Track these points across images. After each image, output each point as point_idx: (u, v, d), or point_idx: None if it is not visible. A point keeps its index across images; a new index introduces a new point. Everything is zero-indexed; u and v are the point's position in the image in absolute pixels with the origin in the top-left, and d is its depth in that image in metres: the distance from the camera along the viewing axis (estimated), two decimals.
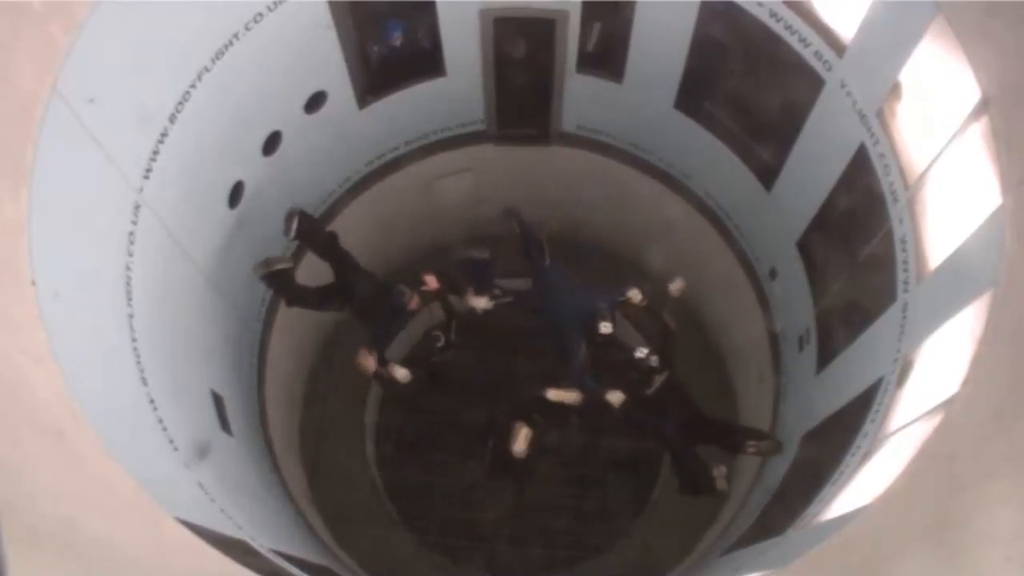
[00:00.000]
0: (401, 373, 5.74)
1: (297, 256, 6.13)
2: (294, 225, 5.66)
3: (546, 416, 6.20)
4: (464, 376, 7.69)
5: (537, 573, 7.13)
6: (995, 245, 3.20)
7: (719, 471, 5.88)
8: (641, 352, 5.80)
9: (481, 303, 5.92)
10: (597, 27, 5.66)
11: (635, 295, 5.88)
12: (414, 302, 5.70)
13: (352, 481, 7.10)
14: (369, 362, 5.58)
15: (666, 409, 6.05)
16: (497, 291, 6.22)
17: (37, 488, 2.54)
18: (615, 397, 5.80)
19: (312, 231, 5.86)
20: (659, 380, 5.88)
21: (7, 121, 2.87)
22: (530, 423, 5.77)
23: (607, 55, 5.77)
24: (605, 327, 5.65)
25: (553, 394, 5.83)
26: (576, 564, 7.09)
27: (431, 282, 5.80)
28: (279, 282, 5.75)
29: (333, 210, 6.40)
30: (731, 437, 5.96)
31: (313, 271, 6.10)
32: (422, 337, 6.37)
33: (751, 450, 5.80)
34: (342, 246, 5.94)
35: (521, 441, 5.69)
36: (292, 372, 6.92)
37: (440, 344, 6.06)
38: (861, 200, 4.65)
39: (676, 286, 6.01)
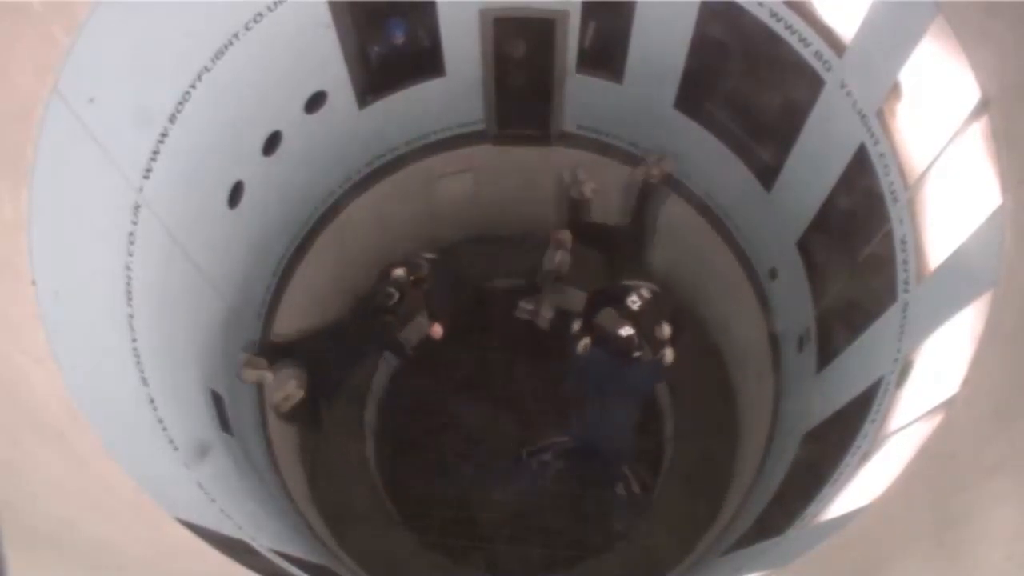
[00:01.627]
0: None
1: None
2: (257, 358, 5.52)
3: None
4: (465, 376, 7.71)
5: (537, 573, 7.12)
6: (995, 245, 3.20)
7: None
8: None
9: (438, 331, 5.89)
10: (597, 27, 5.66)
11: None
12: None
13: (352, 481, 7.09)
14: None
15: None
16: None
17: (37, 488, 2.54)
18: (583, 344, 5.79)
19: (276, 350, 5.84)
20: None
21: (7, 121, 2.87)
22: None
23: (607, 55, 5.77)
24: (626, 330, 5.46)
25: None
26: (576, 564, 7.08)
27: (436, 332, 5.84)
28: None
29: (333, 210, 6.40)
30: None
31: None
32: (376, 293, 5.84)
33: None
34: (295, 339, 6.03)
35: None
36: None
37: (392, 302, 5.60)
38: (861, 200, 4.65)
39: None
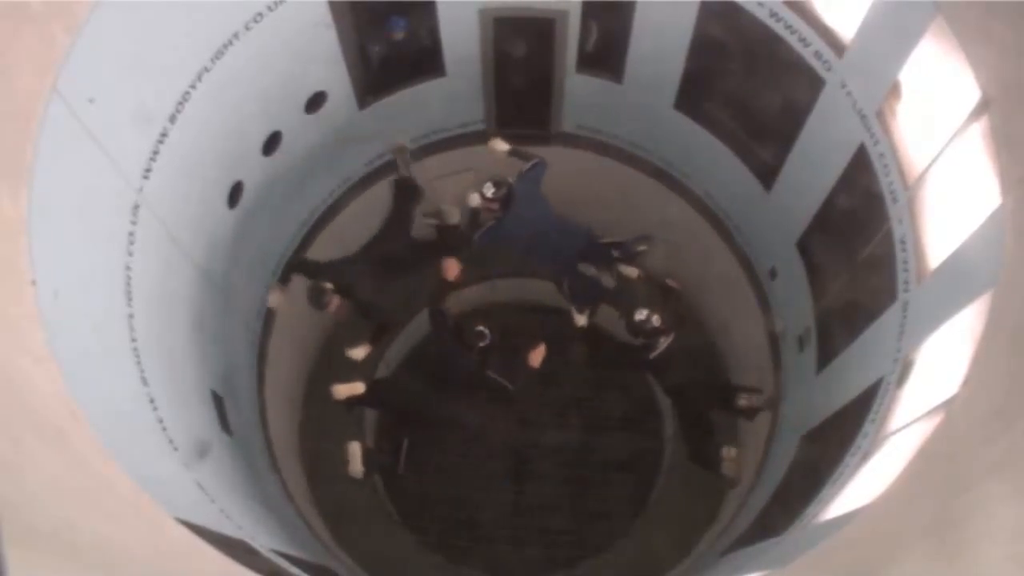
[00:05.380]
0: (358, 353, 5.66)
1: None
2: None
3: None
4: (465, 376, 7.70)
5: (537, 573, 7.13)
6: (995, 245, 3.20)
7: (729, 452, 5.67)
8: (641, 314, 5.50)
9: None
10: (597, 27, 5.66)
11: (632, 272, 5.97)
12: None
13: (352, 481, 7.09)
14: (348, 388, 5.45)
15: (666, 373, 6.08)
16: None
17: (37, 488, 2.53)
18: (580, 320, 5.94)
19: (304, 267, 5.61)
20: (664, 343, 5.68)
21: (7, 121, 2.87)
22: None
23: (607, 55, 5.77)
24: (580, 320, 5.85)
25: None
26: (576, 564, 7.08)
27: (453, 269, 5.60)
28: (405, 193, 5.71)
29: (333, 210, 6.40)
30: (724, 394, 6.03)
31: None
32: (462, 333, 5.42)
33: (743, 402, 5.78)
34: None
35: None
36: (292, 372, 6.92)
37: (485, 343, 5.14)
38: (861, 200, 4.65)
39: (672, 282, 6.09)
